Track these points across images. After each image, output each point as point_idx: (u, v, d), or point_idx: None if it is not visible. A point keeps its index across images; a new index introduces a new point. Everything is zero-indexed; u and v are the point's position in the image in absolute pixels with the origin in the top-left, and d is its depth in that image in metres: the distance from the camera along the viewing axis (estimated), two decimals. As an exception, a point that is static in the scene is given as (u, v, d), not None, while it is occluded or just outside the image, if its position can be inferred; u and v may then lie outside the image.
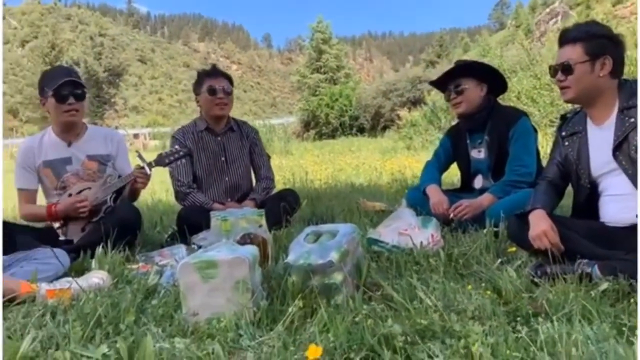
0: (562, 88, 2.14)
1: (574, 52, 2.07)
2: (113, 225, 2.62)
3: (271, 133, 17.32)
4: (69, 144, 2.90)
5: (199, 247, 2.46)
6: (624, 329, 1.40)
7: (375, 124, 25.74)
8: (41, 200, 3.00)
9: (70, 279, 2.10)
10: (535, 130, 2.98)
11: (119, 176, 2.93)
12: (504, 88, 3.13)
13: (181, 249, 2.54)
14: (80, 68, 48.46)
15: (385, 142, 16.06)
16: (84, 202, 2.75)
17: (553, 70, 2.16)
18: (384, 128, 23.44)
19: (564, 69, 2.09)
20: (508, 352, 1.27)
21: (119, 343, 1.37)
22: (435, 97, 15.54)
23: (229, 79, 3.34)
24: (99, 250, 2.42)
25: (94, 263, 2.34)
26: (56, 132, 2.92)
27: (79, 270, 2.38)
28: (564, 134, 2.28)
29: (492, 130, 2.96)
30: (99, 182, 2.87)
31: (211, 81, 3.23)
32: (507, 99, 9.79)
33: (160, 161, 2.93)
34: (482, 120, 2.98)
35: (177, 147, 3.05)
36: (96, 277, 2.09)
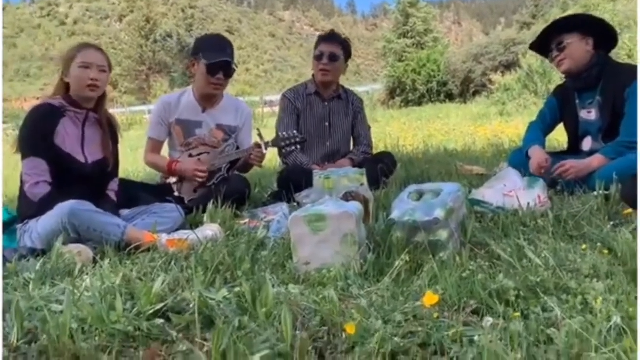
0: None
1: None
2: (224, 195, 2.76)
3: (364, 102, 17.19)
4: (204, 110, 3.09)
5: (302, 204, 2.55)
6: None
7: (465, 89, 24.79)
8: (164, 152, 3.24)
9: (187, 230, 2.26)
10: (656, 89, 2.76)
11: (237, 148, 3.08)
12: (615, 41, 2.90)
13: (284, 206, 2.65)
14: (173, 40, 50.51)
15: (476, 108, 15.43)
16: (203, 170, 2.93)
17: None
18: (475, 94, 22.54)
19: None
20: (631, 309, 1.23)
21: (242, 286, 1.47)
22: (531, 59, 14.64)
23: (343, 45, 3.35)
24: (210, 205, 2.57)
25: (205, 217, 2.50)
26: (195, 96, 3.11)
27: (192, 224, 2.56)
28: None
29: (605, 90, 2.76)
30: (218, 150, 3.05)
31: (323, 46, 3.30)
32: (619, 58, 9.04)
33: (277, 143, 3.06)
34: (594, 79, 2.79)
35: (295, 132, 3.12)
36: (210, 229, 2.24)
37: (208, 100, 3.08)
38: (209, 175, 2.97)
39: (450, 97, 25.34)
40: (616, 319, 1.15)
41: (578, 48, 2.78)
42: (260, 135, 3.03)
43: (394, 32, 36.50)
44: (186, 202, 2.92)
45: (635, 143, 2.56)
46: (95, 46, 2.45)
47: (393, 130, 9.89)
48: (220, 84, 2.98)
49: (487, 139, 6.19)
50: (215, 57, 2.89)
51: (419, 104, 25.72)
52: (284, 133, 3.07)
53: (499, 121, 10.06)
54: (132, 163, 6.23)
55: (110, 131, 2.57)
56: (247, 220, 2.49)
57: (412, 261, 1.75)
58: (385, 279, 1.63)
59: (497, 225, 2.14)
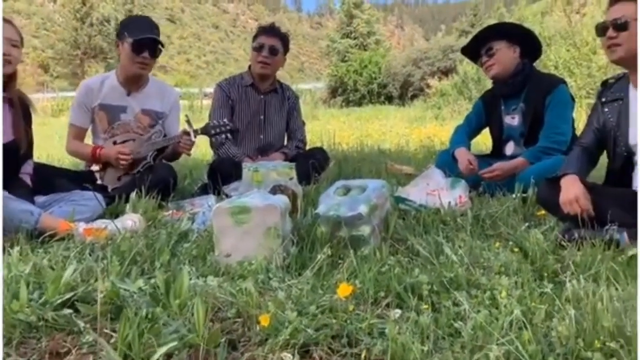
0: (611, 46, 2.06)
1: (630, 9, 1.99)
2: (148, 183, 2.68)
3: (299, 98, 17.27)
4: (129, 93, 2.97)
5: (229, 197, 2.51)
6: (650, 289, 1.40)
7: (404, 92, 25.41)
8: (88, 140, 3.10)
9: (106, 220, 2.18)
10: (573, 99, 2.93)
11: (164, 135, 2.99)
12: (539, 51, 3.06)
13: (211, 198, 2.60)
14: (111, 25, 48.58)
15: (414, 111, 15.87)
16: (127, 155, 2.82)
17: (601, 29, 2.08)
18: (413, 97, 23.15)
19: (617, 26, 2.02)
20: (533, 304, 1.30)
21: (156, 277, 1.43)
22: (467, 67, 15.21)
23: (282, 39, 3.33)
24: (133, 195, 2.49)
25: (128, 207, 2.42)
26: (119, 79, 2.98)
27: (113, 213, 2.47)
28: (604, 100, 2.23)
29: (529, 97, 2.91)
30: (144, 137, 2.94)
31: (262, 38, 3.25)
32: (544, 69, 9.56)
33: (207, 131, 2.97)
34: (518, 86, 2.94)
35: (225, 120, 3.04)
36: (131, 219, 2.17)
37: (133, 82, 2.96)
38: (134, 162, 2.87)
39: (389, 99, 25.90)
40: (517, 312, 1.20)
41: (506, 55, 2.91)
42: (189, 122, 2.95)
43: (338, 31, 36.90)
44: (109, 190, 2.81)
45: (553, 149, 2.71)
46: (5, 18, 2.27)
47: (333, 128, 9.98)
48: (146, 63, 2.87)
49: (420, 141, 6.37)
50: (140, 34, 2.80)
51: (360, 104, 26.10)
52: (215, 121, 3.00)
53: (433, 124, 10.38)
54: (61, 150, 5.93)
55: (22, 110, 2.41)
56: (171, 211, 2.42)
57: (335, 255, 1.77)
58: (307, 272, 1.64)
59: (419, 223, 2.20)
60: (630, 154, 2.12)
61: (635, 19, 1.98)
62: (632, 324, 1.18)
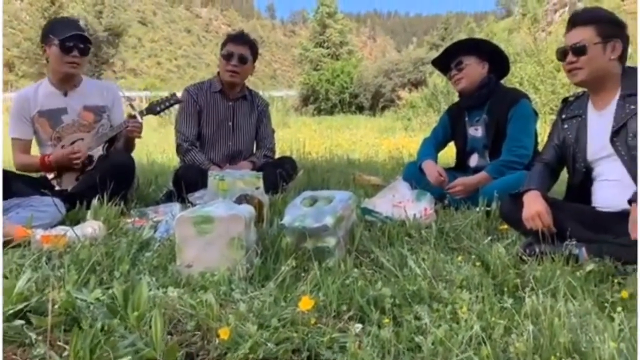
0: (572, 70, 2.12)
1: (586, 34, 2.06)
2: (106, 171, 2.63)
3: (269, 105, 17.26)
4: (65, 94, 2.89)
5: (194, 205, 2.48)
6: (606, 304, 1.44)
7: (375, 103, 25.66)
8: (35, 151, 3.00)
9: (65, 226, 2.12)
10: (536, 114, 3.00)
11: (111, 126, 2.92)
12: (506, 69, 3.13)
13: (176, 206, 2.56)
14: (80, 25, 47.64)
15: (384, 122, 16.02)
16: (78, 153, 2.75)
17: (561, 53, 2.15)
18: (384, 108, 23.38)
19: (576, 50, 2.08)
20: (493, 319, 1.31)
21: (114, 287, 1.39)
22: (437, 79, 15.48)
23: (252, 47, 3.31)
24: (95, 201, 2.43)
25: (89, 214, 2.36)
26: (52, 82, 2.90)
27: (74, 220, 2.40)
28: (564, 116, 2.29)
29: (492, 110, 2.97)
30: (92, 133, 2.87)
31: (231, 46, 3.22)
32: (509, 84, 9.79)
33: (152, 109, 2.93)
34: (482, 99, 2.99)
35: (167, 95, 3.01)
36: (91, 227, 2.11)
37: (67, 82, 2.89)
38: (87, 159, 2.80)
39: (360, 109, 26.11)
40: (476, 327, 1.21)
41: (475, 70, 2.97)
42: (131, 105, 2.90)
43: (311, 40, 37.08)
44: (69, 190, 2.73)
45: (515, 162, 2.77)
46: None
47: (304, 136, 9.98)
48: (77, 62, 2.80)
49: (389, 152, 6.42)
50: (67, 32, 2.74)
51: (331, 113, 26.23)
52: (159, 98, 2.97)
53: (403, 135, 10.49)
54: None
55: None
56: (134, 219, 2.37)
57: (299, 267, 1.76)
58: (270, 284, 1.62)
59: (384, 234, 2.21)
60: (589, 169, 2.18)
61: (594, 43, 2.04)
62: (587, 340, 1.20)
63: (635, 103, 2.00)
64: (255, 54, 3.31)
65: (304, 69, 35.46)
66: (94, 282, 1.58)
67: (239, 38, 3.29)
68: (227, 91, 3.32)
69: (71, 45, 2.75)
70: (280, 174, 3.05)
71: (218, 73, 3.36)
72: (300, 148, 6.37)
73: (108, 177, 2.57)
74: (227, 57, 3.20)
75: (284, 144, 7.10)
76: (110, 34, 54.23)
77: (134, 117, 2.82)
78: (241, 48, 3.22)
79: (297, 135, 10.28)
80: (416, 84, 21.35)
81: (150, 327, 1.19)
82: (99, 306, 1.39)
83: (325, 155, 6.22)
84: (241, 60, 3.21)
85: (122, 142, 2.93)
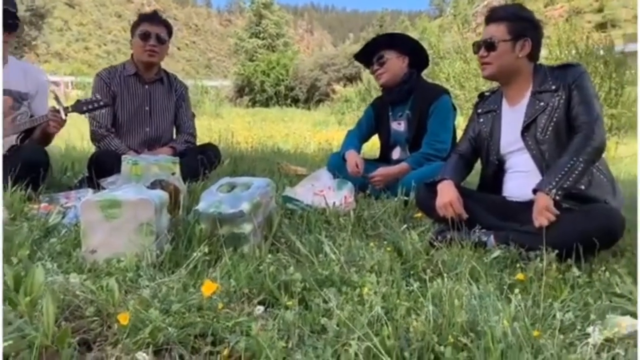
0: (483, 64, 2.22)
1: (498, 31, 2.15)
2: (16, 165, 2.46)
3: (203, 95, 16.93)
4: None
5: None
6: (504, 287, 1.51)
7: (310, 96, 25.78)
8: None
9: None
10: (455, 109, 3.10)
11: (31, 116, 2.74)
12: (426, 62, 3.22)
13: (88, 192, 2.45)
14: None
15: (318, 115, 16.13)
16: None
17: (477, 47, 2.23)
18: (319, 101, 23.53)
19: (487, 45, 2.17)
20: (398, 301, 1.34)
21: (6, 273, 1.30)
22: (371, 75, 15.72)
23: (167, 27, 3.20)
24: (-1, 186, 2.27)
25: (-10, 198, 2.20)
26: None
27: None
28: (480, 111, 2.38)
29: (414, 105, 3.04)
30: (9, 119, 2.68)
31: (147, 26, 3.09)
32: (436, 80, 10.09)
33: (77, 107, 2.76)
34: (405, 94, 3.06)
35: (97, 95, 2.86)
36: (-10, 211, 1.97)
37: None
38: None
39: (296, 102, 26.12)
40: (377, 309, 1.23)
41: (395, 64, 3.03)
42: (57, 98, 2.74)
43: (247, 30, 36.60)
44: None
45: (434, 155, 2.86)
46: None
47: (236, 127, 9.84)
48: (4, 40, 2.63)
49: (320, 144, 6.45)
50: None
51: (267, 105, 26.06)
52: (88, 98, 2.82)
53: (336, 129, 10.58)
54: None
55: None
56: (41, 205, 2.24)
57: (213, 253, 1.73)
58: (181, 270, 1.58)
59: (304, 222, 2.21)
60: (501, 162, 2.28)
61: (504, 40, 2.13)
62: (484, 320, 1.26)
63: (545, 100, 2.11)
64: (170, 34, 3.22)
65: (239, 59, 35.00)
66: (-12, 269, 1.48)
67: (155, 18, 3.17)
68: (142, 74, 3.19)
69: None
70: (201, 160, 2.98)
71: (132, 55, 3.23)
72: (229, 138, 6.27)
73: (16, 171, 2.40)
74: (144, 36, 3.07)
75: (215, 134, 6.98)
76: (33, 14, 51.04)
77: (58, 111, 2.66)
78: (157, 28, 3.12)
79: (229, 125, 10.12)
80: (351, 79, 21.61)
81: (43, 313, 1.13)
82: (-11, 293, 1.30)
83: (255, 146, 6.16)
84: (159, 39, 3.10)
85: (38, 133, 2.76)
